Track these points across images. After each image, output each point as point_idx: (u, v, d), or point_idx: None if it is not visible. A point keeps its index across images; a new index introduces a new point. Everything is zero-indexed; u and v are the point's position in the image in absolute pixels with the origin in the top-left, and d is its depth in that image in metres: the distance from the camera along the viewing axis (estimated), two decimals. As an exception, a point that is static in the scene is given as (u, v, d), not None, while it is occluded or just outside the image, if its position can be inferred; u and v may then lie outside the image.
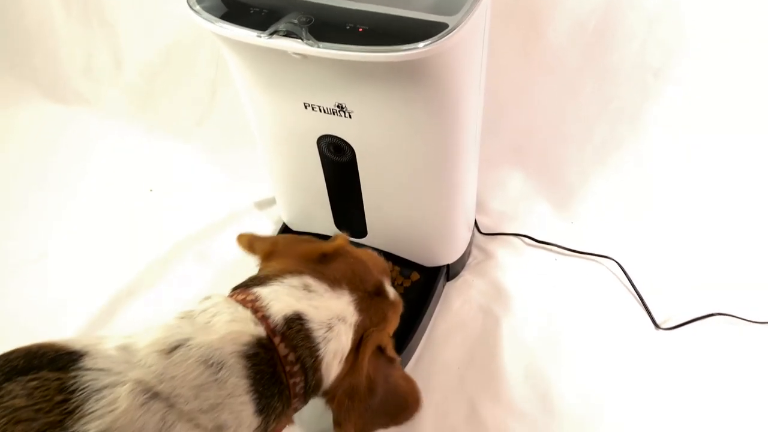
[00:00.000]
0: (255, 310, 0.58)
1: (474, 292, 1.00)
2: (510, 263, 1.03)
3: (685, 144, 1.04)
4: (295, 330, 0.59)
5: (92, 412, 0.45)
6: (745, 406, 0.84)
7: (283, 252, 0.69)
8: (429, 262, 0.96)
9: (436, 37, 0.57)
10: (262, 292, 0.61)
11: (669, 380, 0.88)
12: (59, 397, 0.45)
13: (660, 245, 1.02)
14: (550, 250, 1.05)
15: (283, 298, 0.60)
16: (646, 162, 1.07)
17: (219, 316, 0.56)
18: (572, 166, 1.11)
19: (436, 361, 0.92)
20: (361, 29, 0.60)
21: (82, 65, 1.37)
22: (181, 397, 0.49)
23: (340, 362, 0.62)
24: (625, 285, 0.99)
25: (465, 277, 1.03)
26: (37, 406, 0.44)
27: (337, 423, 0.65)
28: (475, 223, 1.06)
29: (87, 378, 0.46)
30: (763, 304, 0.93)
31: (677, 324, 0.92)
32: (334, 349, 0.61)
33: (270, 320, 0.58)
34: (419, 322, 0.92)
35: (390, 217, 0.90)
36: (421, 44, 0.57)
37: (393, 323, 0.73)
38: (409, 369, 0.91)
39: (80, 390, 0.45)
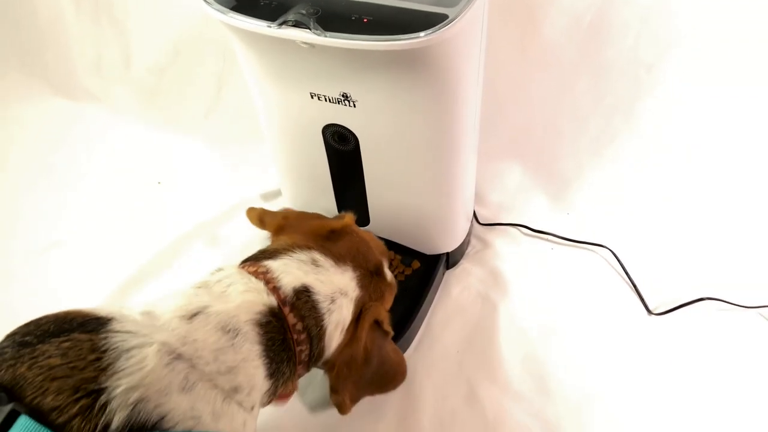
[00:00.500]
0: (267, 282, 0.62)
1: (473, 279, 1.02)
2: (507, 252, 1.05)
3: (676, 137, 1.07)
4: (303, 301, 0.62)
5: (123, 369, 0.47)
6: (732, 388, 0.86)
7: (293, 227, 0.72)
8: (429, 250, 0.98)
9: (436, 27, 0.60)
10: (273, 265, 0.64)
11: (661, 364, 0.90)
12: (92, 356, 0.47)
13: (652, 234, 1.04)
14: (547, 240, 1.07)
15: (292, 271, 0.63)
16: (639, 155, 1.09)
17: (234, 286, 0.60)
18: (568, 159, 1.13)
19: (436, 345, 0.94)
20: (365, 20, 0.62)
21: (91, 62, 1.39)
22: (202, 359, 0.52)
23: (341, 333, 0.66)
24: (618, 273, 1.01)
25: (464, 265, 1.05)
26: (72, 364, 0.46)
27: (334, 390, 0.68)
28: (474, 214, 1.09)
29: (116, 339, 0.49)
30: (749, 289, 0.95)
31: (668, 309, 0.95)
32: (336, 320, 0.64)
33: (281, 291, 0.61)
34: (419, 308, 0.93)
35: (391, 205, 0.92)
36: (422, 33, 0.59)
37: (388, 302, 0.76)
38: (410, 353, 0.93)
39: (111, 350, 0.48)
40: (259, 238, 0.80)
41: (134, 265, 1.05)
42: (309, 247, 0.68)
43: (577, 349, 0.93)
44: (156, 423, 0.46)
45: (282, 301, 0.61)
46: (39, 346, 0.47)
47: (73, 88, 1.40)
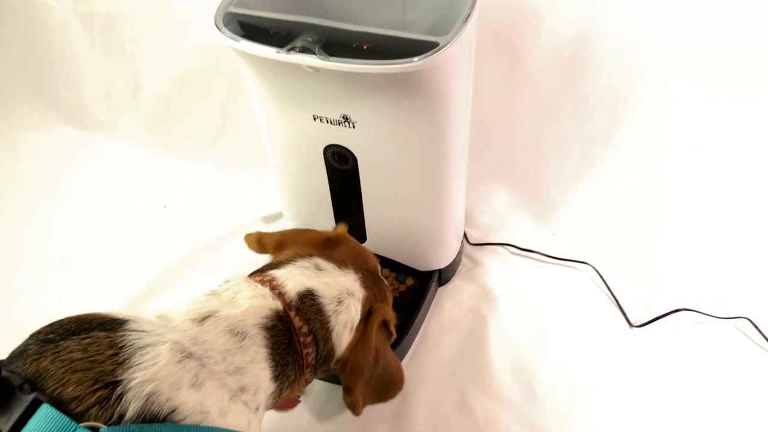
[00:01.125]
0: (272, 288, 0.65)
1: (464, 295, 1.07)
2: (497, 270, 1.10)
3: (651, 162, 1.13)
4: (308, 305, 0.65)
5: (138, 363, 0.50)
6: (708, 395, 0.90)
7: (292, 241, 0.77)
8: (422, 266, 1.03)
9: (428, 53, 0.66)
10: (277, 273, 0.68)
11: (642, 373, 0.94)
12: (110, 352, 0.51)
13: (632, 251, 1.09)
14: (533, 258, 1.12)
15: (296, 277, 0.67)
16: (618, 178, 1.15)
17: (241, 293, 0.63)
18: (552, 182, 1.19)
19: (429, 356, 0.98)
20: (365, 47, 0.68)
21: (101, 93, 1.44)
22: (211, 359, 0.56)
23: (350, 332, 0.69)
24: (601, 288, 1.06)
25: (456, 282, 1.09)
26: (91, 358, 0.50)
27: (347, 390, 0.71)
28: (465, 235, 1.14)
29: (132, 337, 0.52)
30: (722, 301, 1.01)
31: (647, 321, 0.99)
32: (345, 320, 0.68)
33: (285, 296, 0.65)
34: (414, 321, 0.97)
35: (387, 223, 0.97)
36: (415, 59, 0.66)
37: (390, 305, 0.79)
38: (405, 363, 0.97)
39: (128, 346, 0.51)
40: (262, 260, 0.84)
41: (139, 283, 1.09)
42: (311, 255, 0.72)
43: (563, 360, 0.96)
44: (167, 415, 0.49)
45: (287, 306, 0.64)
46: (61, 342, 0.51)
47: (83, 117, 1.45)
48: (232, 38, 0.72)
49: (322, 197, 0.96)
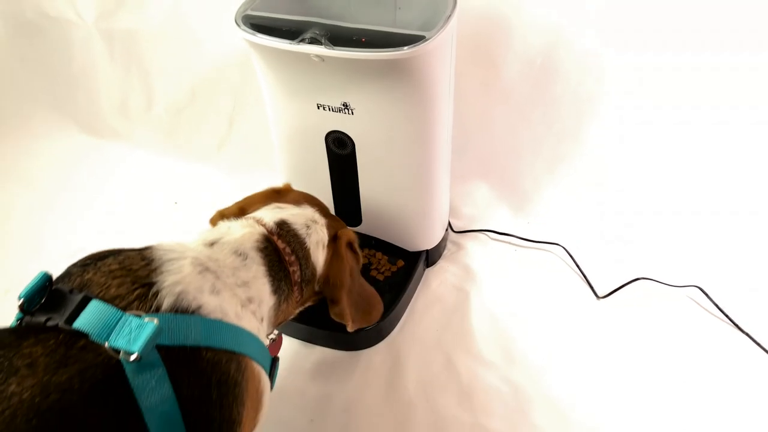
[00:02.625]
0: (255, 221, 0.75)
1: (449, 275, 1.15)
2: (478, 253, 1.19)
3: (612, 154, 1.25)
4: (285, 230, 0.76)
5: (168, 270, 0.59)
6: (663, 353, 0.99)
7: (249, 203, 0.85)
8: (411, 247, 1.12)
9: (416, 44, 0.77)
10: (254, 215, 0.78)
11: (607, 337, 1.03)
12: (143, 263, 0.59)
13: (597, 233, 1.20)
14: (510, 242, 1.21)
15: (268, 214, 0.77)
16: (584, 171, 1.26)
17: (234, 227, 0.74)
18: (526, 177, 1.29)
19: (418, 326, 1.06)
20: (363, 40, 0.79)
21: (118, 104, 1.54)
22: (224, 273, 0.65)
23: (323, 249, 0.79)
24: (570, 266, 1.15)
25: (441, 264, 1.18)
26: (127, 268, 0.58)
27: (333, 301, 0.81)
28: (450, 224, 1.24)
29: (159, 253, 0.61)
30: (676, 271, 1.11)
31: (611, 291, 1.09)
32: (316, 240, 0.78)
33: (267, 225, 0.75)
34: (404, 295, 1.06)
35: (380, 206, 1.06)
36: (405, 48, 0.77)
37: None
38: (396, 332, 1.05)
39: (156, 260, 0.60)
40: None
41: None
42: (269, 203, 0.82)
43: (538, 328, 1.05)
44: (194, 310, 0.57)
45: (270, 232, 0.74)
46: (98, 262, 0.59)
47: (99, 126, 1.55)
48: (251, 33, 0.83)
49: (322, 182, 1.05)
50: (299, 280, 0.75)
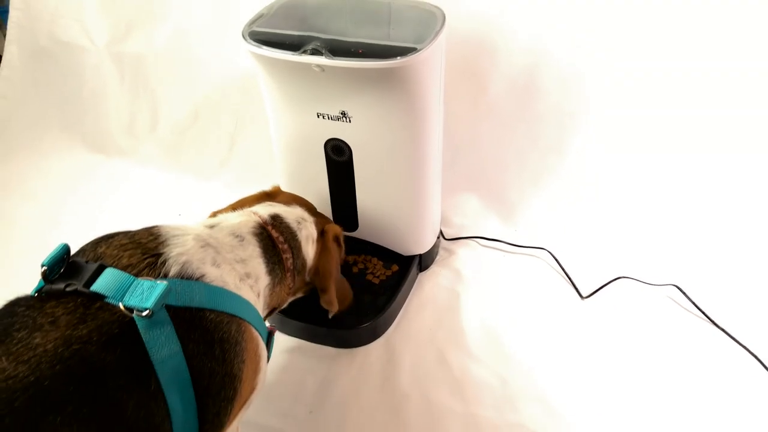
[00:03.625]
0: (251, 212, 0.81)
1: (441, 278, 1.20)
2: (468, 258, 1.24)
3: (593, 164, 1.31)
4: (279, 222, 0.82)
5: (173, 244, 0.65)
6: (643, 349, 1.04)
7: (241, 204, 0.91)
8: (405, 251, 1.17)
9: (408, 55, 0.84)
10: (250, 209, 0.84)
11: (592, 336, 1.07)
12: (151, 237, 0.65)
13: (580, 239, 1.25)
14: (499, 248, 1.27)
15: (263, 209, 0.83)
16: (567, 181, 1.32)
17: (230, 216, 0.80)
18: (513, 188, 1.35)
19: (412, 324, 1.10)
20: (360, 51, 0.87)
21: (125, 124, 1.60)
22: (224, 249, 0.70)
23: (312, 244, 0.85)
24: (555, 269, 1.21)
25: (434, 269, 1.23)
26: (137, 242, 0.63)
27: (323, 290, 0.87)
28: (441, 232, 1.29)
29: (165, 230, 0.67)
30: (654, 270, 1.17)
31: (594, 290, 1.15)
32: (306, 234, 0.84)
33: (262, 216, 0.81)
34: (398, 296, 1.10)
35: (376, 212, 1.11)
36: (398, 58, 0.84)
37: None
38: (391, 330, 1.09)
39: (163, 235, 0.66)
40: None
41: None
42: (261, 203, 0.89)
43: (526, 326, 1.09)
44: (198, 278, 0.63)
45: (264, 222, 0.80)
46: (109, 239, 0.65)
47: (106, 145, 1.59)
48: (257, 46, 0.90)
49: (321, 189, 1.11)
50: (291, 267, 0.81)
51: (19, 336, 0.52)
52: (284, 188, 1.15)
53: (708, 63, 1.20)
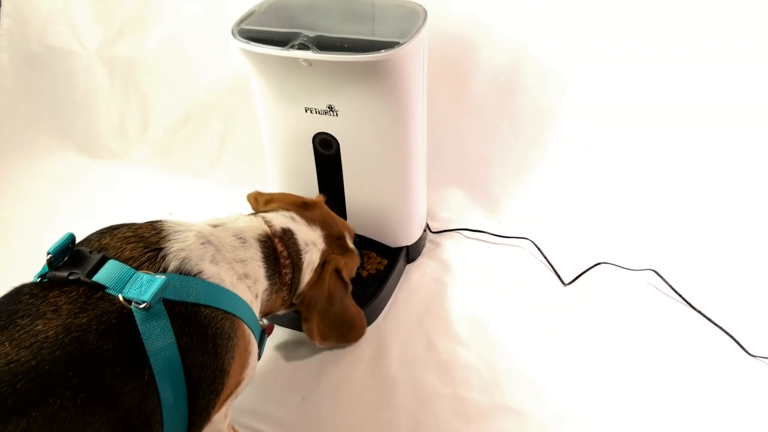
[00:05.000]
0: (263, 219, 0.83)
1: (428, 269, 1.23)
2: (454, 249, 1.27)
3: (573, 157, 1.35)
4: (288, 237, 0.83)
5: (174, 239, 0.66)
6: (623, 332, 1.07)
7: (278, 199, 0.94)
8: (392, 242, 1.19)
9: (392, 48, 0.87)
10: (266, 215, 0.85)
11: (573, 319, 1.10)
12: (153, 232, 0.67)
13: (561, 228, 1.29)
14: (483, 239, 1.30)
15: (279, 219, 0.84)
16: (547, 174, 1.35)
17: (240, 219, 0.81)
18: (496, 182, 1.38)
19: (400, 313, 1.12)
20: (346, 45, 0.90)
21: (116, 127, 1.61)
22: (224, 249, 0.72)
23: (311, 271, 0.85)
24: (538, 257, 1.24)
25: (421, 260, 1.25)
26: (140, 236, 0.66)
27: (304, 319, 0.88)
28: (428, 226, 1.32)
29: (167, 225, 0.69)
30: (633, 255, 1.21)
31: (575, 277, 1.18)
32: (309, 260, 0.85)
33: (272, 227, 0.82)
34: (386, 287, 1.13)
35: (363, 204, 1.14)
36: (382, 51, 0.87)
37: (350, 264, 0.96)
38: (380, 319, 1.11)
39: (165, 230, 0.68)
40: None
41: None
42: (289, 210, 0.89)
43: (510, 312, 1.12)
44: (196, 274, 0.65)
45: (273, 234, 0.81)
46: (114, 231, 0.67)
47: (97, 148, 1.60)
48: (246, 43, 0.93)
49: (310, 182, 1.13)
50: (289, 282, 0.82)
51: (23, 323, 0.54)
52: (274, 183, 1.19)
53: (683, 56, 1.24)
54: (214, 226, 0.76)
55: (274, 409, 0.96)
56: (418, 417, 0.94)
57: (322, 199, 1.00)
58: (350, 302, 0.98)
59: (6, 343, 0.52)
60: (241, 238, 0.76)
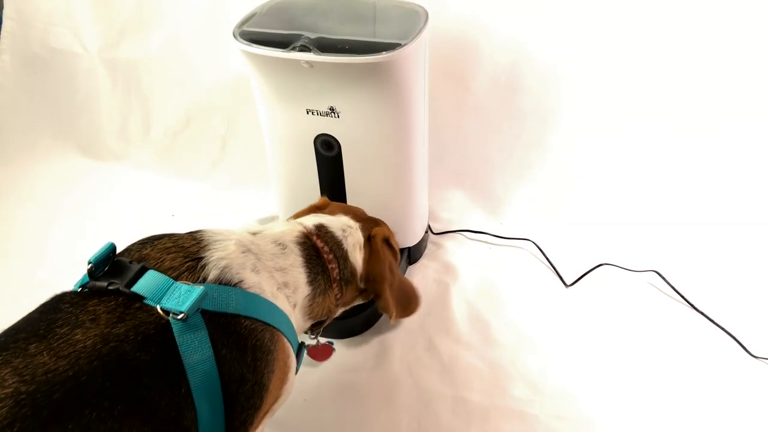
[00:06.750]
0: (296, 222, 0.81)
1: (430, 270, 1.22)
2: (456, 251, 1.27)
3: (574, 158, 1.35)
4: (324, 231, 0.81)
5: (215, 248, 0.65)
6: (625, 332, 1.07)
7: (297, 216, 0.93)
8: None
9: (393, 50, 0.87)
10: (295, 220, 0.84)
11: (576, 320, 1.10)
12: (193, 242, 0.65)
13: (563, 229, 1.28)
14: (485, 241, 1.30)
15: (308, 219, 0.83)
16: (549, 175, 1.35)
17: (275, 225, 0.79)
18: (498, 183, 1.38)
19: (402, 314, 1.13)
20: (347, 47, 0.89)
21: (117, 129, 1.61)
22: (264, 257, 0.70)
23: (360, 250, 0.83)
24: (540, 259, 1.24)
25: (423, 261, 1.25)
26: (180, 246, 0.64)
27: (377, 296, 0.85)
28: (429, 227, 1.32)
29: (207, 234, 0.67)
30: (635, 256, 1.20)
31: (577, 278, 1.18)
32: (353, 241, 0.83)
33: (307, 226, 0.80)
34: (388, 288, 1.14)
35: (365, 205, 1.12)
36: (383, 53, 0.87)
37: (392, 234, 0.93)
38: (382, 320, 1.10)
39: (205, 240, 0.66)
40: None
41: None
42: (309, 215, 0.89)
43: (512, 314, 1.12)
44: (236, 284, 0.63)
45: (309, 232, 0.79)
46: (155, 241, 0.65)
47: (99, 149, 1.60)
48: (247, 44, 0.92)
49: (311, 183, 1.13)
50: (338, 277, 0.79)
51: (62, 332, 0.54)
52: (276, 184, 1.19)
53: (682, 56, 1.24)
54: (254, 233, 0.74)
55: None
56: (420, 418, 0.94)
57: (325, 198, 1.00)
58: (402, 276, 0.95)
59: (44, 352, 0.52)
60: (280, 244, 0.74)
